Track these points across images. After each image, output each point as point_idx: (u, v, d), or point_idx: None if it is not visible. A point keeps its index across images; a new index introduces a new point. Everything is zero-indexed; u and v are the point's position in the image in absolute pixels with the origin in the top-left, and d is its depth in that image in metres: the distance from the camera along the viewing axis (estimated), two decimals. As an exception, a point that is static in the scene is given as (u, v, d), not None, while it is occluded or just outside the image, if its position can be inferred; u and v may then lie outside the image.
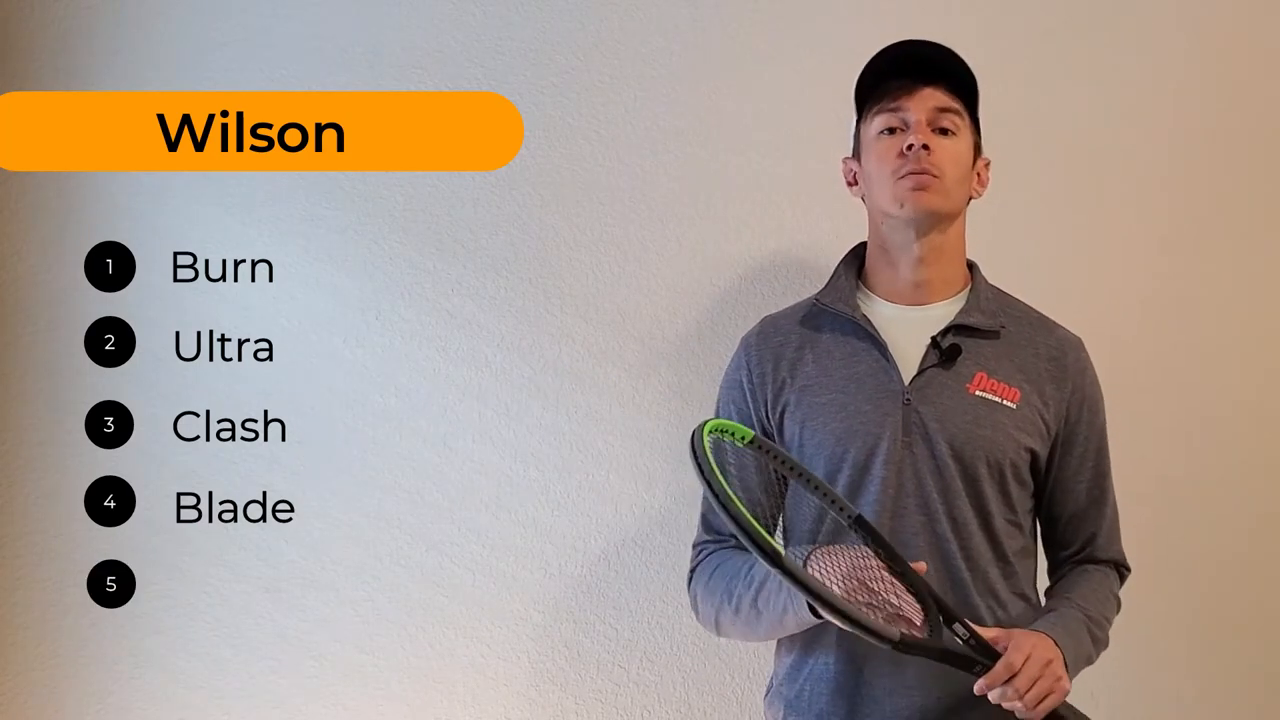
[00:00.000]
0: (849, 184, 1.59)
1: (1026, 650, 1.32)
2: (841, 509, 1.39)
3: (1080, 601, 1.48)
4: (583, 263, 1.93)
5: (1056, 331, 1.55)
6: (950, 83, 1.50)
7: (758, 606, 1.43)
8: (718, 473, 1.24)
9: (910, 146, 1.46)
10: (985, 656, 1.32)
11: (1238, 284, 1.97)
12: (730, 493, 1.22)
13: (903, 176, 1.47)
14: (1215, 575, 1.94)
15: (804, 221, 1.93)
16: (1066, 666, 1.36)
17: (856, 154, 1.57)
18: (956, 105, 1.50)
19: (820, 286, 1.58)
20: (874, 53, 1.53)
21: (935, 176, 1.46)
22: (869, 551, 1.35)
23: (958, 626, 1.32)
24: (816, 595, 1.22)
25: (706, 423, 1.31)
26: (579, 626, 1.89)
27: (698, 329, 1.92)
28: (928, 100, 1.49)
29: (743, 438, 1.36)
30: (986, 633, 1.35)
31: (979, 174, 1.55)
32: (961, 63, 1.51)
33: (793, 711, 1.49)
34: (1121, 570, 1.57)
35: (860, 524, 1.38)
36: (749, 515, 1.21)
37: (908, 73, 1.50)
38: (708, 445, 1.27)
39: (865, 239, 1.60)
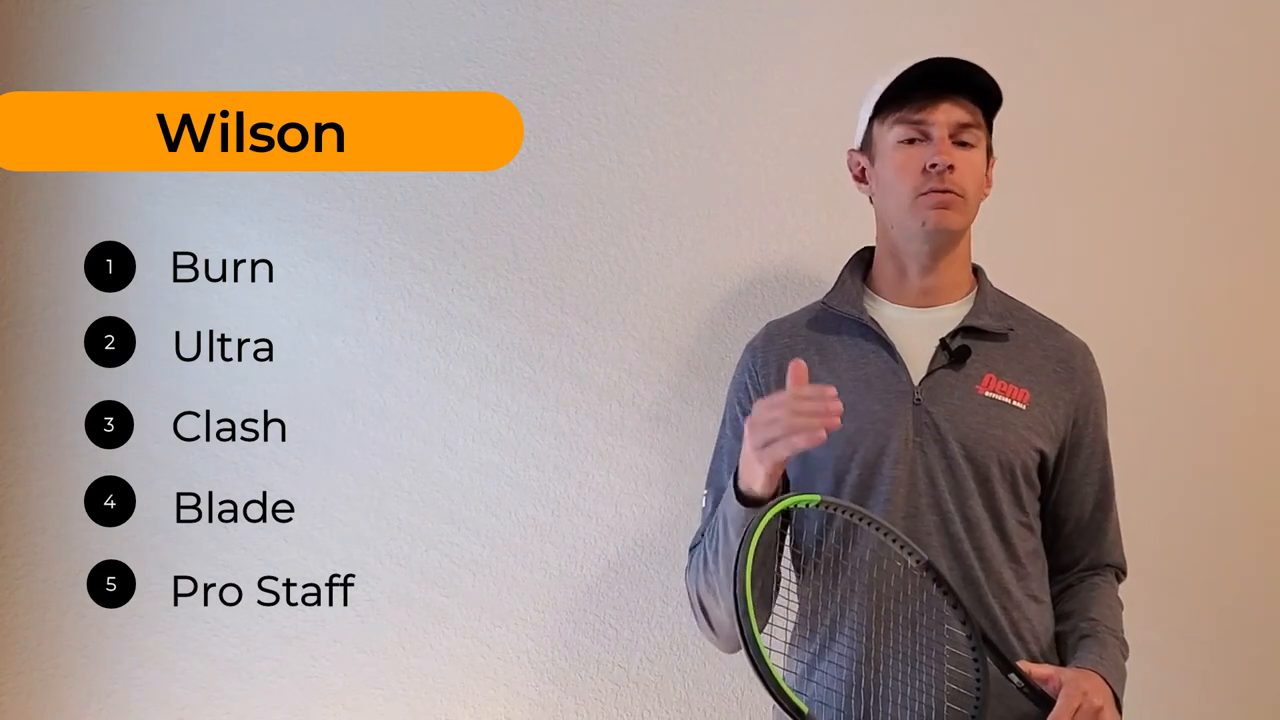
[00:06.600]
0: (856, 178, 1.57)
1: (1076, 702, 1.31)
2: (911, 553, 1.36)
3: (1108, 624, 1.47)
4: (583, 263, 1.93)
5: (1064, 335, 1.55)
6: (972, 94, 1.48)
7: (715, 530, 1.41)
8: (762, 649, 1.21)
9: (935, 166, 1.44)
10: (1039, 702, 1.32)
11: (1246, 287, 1.97)
12: (769, 662, 1.21)
13: (925, 193, 1.45)
14: (1224, 580, 1.94)
15: (804, 222, 1.93)
16: (1118, 704, 1.37)
17: (865, 149, 1.55)
18: (977, 117, 1.48)
19: (820, 286, 1.58)
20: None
21: (960, 196, 1.46)
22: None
23: (1013, 675, 1.33)
24: None
25: (759, 527, 1.26)
26: (579, 626, 1.89)
27: (698, 329, 1.92)
28: (951, 114, 1.46)
29: (808, 503, 1.33)
30: (1038, 671, 1.34)
31: (987, 175, 1.54)
32: (987, 76, 1.47)
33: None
34: (1120, 575, 1.57)
35: (929, 568, 1.36)
36: (780, 681, 1.21)
37: (931, 82, 1.46)
38: (751, 597, 1.23)
39: (866, 241, 1.60)
